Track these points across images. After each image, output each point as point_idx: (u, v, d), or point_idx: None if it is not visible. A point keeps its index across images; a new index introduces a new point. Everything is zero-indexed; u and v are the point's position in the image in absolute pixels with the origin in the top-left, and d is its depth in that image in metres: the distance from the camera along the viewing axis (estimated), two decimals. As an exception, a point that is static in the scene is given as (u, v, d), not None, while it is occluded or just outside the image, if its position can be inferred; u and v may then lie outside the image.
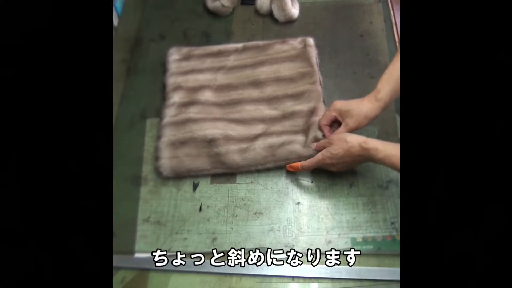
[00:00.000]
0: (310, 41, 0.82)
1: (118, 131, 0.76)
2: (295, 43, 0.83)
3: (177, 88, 0.77)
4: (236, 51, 0.83)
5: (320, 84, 0.77)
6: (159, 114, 0.77)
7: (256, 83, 0.78)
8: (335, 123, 0.67)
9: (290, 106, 0.74)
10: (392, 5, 0.93)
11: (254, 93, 0.77)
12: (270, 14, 0.91)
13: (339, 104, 0.64)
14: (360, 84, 0.80)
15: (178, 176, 0.69)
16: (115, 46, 0.88)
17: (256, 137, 0.70)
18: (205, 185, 0.69)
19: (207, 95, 0.76)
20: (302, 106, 0.73)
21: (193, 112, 0.73)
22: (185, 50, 0.84)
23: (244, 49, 0.84)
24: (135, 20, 0.93)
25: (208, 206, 0.67)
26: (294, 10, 0.89)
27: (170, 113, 0.74)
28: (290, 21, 0.90)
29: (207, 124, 0.71)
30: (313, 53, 0.81)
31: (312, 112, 0.72)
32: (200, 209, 0.67)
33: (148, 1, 0.97)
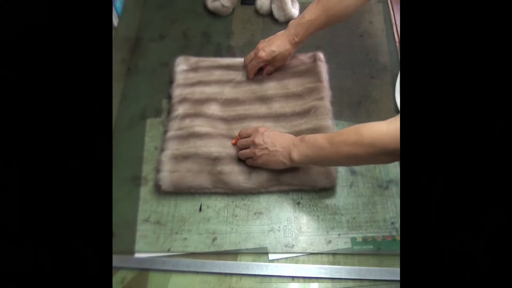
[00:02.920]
0: (320, 55, 0.79)
1: (118, 131, 0.76)
2: (304, 58, 0.81)
3: (183, 100, 0.76)
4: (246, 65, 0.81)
5: (328, 101, 0.73)
6: (159, 114, 0.77)
7: (264, 99, 0.76)
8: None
9: (298, 124, 0.71)
10: (392, 5, 0.93)
11: (261, 109, 0.75)
12: (270, 14, 0.91)
13: (264, 55, 0.74)
14: (360, 84, 0.80)
15: (178, 192, 0.67)
16: (115, 46, 0.88)
17: None
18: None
19: (213, 109, 0.74)
20: (308, 125, 0.71)
21: (198, 125, 0.71)
22: (193, 60, 0.82)
23: None
24: (135, 20, 0.93)
25: (208, 206, 0.67)
26: (294, 10, 0.89)
27: (175, 126, 0.72)
28: (290, 21, 0.90)
29: (212, 141, 0.69)
30: (323, 67, 0.78)
31: (318, 130, 0.69)
32: (200, 209, 0.67)
33: (148, 1, 0.97)
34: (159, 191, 0.67)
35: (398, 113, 0.75)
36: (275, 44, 0.73)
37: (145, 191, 0.69)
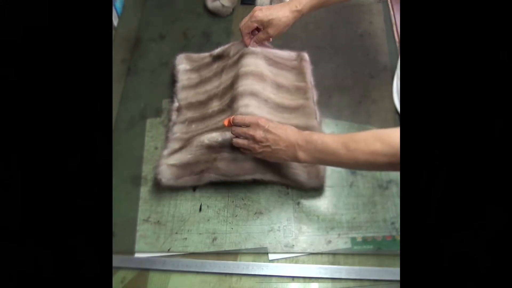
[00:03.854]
0: (305, 56, 0.79)
1: (118, 131, 0.76)
2: (292, 54, 0.80)
3: (190, 105, 0.76)
4: (234, 43, 0.79)
5: (313, 101, 0.74)
6: (159, 114, 0.77)
7: (256, 74, 0.72)
8: (256, 31, 0.72)
9: (287, 117, 0.71)
10: (392, 5, 0.93)
11: (255, 85, 0.71)
12: (270, 14, 0.91)
13: (260, 15, 0.68)
14: (360, 84, 0.80)
15: (176, 185, 0.67)
16: (115, 46, 0.88)
17: None
18: (205, 184, 0.69)
19: (214, 106, 0.74)
20: (297, 121, 0.70)
21: (201, 129, 0.72)
22: (194, 57, 0.82)
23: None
24: (135, 20, 0.93)
25: (208, 206, 0.67)
26: (294, 10, 0.89)
27: (183, 130, 0.72)
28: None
29: (208, 133, 0.68)
30: (308, 69, 0.77)
31: (307, 129, 0.67)
32: (200, 209, 0.67)
33: (148, 1, 0.97)
34: (158, 187, 0.67)
35: (397, 113, 0.75)
36: (273, 8, 0.68)
37: (145, 191, 0.69)
